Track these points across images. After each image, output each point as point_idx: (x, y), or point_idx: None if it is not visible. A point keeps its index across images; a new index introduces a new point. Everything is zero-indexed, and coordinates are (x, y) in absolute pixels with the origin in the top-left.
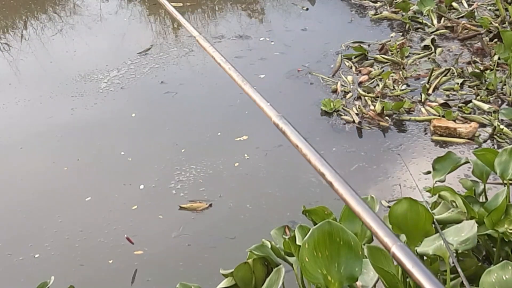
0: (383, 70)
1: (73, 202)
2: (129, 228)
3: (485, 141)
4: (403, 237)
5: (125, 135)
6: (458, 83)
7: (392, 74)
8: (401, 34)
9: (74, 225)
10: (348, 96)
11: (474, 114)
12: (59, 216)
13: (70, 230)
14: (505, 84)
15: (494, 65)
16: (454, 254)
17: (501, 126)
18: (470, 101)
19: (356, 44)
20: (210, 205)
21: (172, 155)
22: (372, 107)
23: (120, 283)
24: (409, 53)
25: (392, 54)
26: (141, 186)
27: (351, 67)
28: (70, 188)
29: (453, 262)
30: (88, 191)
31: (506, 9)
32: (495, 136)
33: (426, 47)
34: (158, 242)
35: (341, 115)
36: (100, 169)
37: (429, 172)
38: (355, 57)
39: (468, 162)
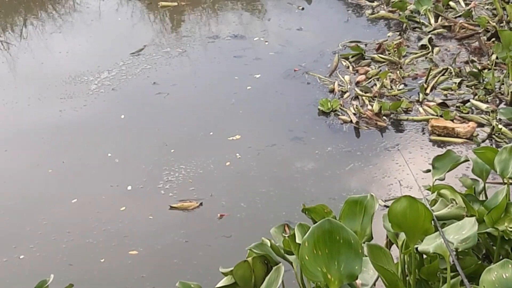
0: (381, 70)
1: (59, 204)
2: (119, 229)
3: (483, 141)
4: (402, 235)
5: (113, 136)
6: (456, 83)
7: (389, 74)
8: (398, 33)
9: (60, 227)
10: (345, 96)
11: (472, 113)
12: (44, 218)
13: (56, 231)
14: (503, 84)
15: (492, 64)
16: (454, 253)
17: (500, 126)
18: (468, 101)
19: (353, 44)
20: (201, 204)
21: (160, 156)
22: (369, 107)
23: (114, 281)
24: (407, 52)
25: (389, 53)
26: (129, 187)
27: (348, 67)
28: (54, 190)
29: (453, 261)
30: (74, 193)
31: (504, 8)
32: (493, 136)
33: (423, 47)
34: (151, 242)
35: (338, 115)
36: (86, 171)
37: (428, 171)
38: (352, 57)
39: (468, 161)
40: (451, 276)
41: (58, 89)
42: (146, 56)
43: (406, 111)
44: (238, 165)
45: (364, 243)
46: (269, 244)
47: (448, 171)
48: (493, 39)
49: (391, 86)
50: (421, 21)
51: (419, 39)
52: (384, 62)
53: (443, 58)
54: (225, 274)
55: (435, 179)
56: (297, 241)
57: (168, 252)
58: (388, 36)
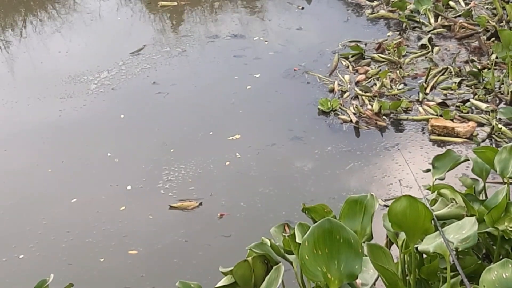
0: (380, 69)
1: (58, 204)
2: (119, 228)
3: (483, 141)
4: (402, 234)
5: (113, 136)
6: (455, 82)
7: (389, 73)
8: (398, 33)
9: (60, 227)
10: (345, 95)
11: (472, 113)
12: (43, 218)
13: (56, 231)
14: (502, 83)
15: (492, 64)
16: (454, 252)
17: (499, 125)
18: (468, 100)
19: (353, 43)
20: (201, 203)
21: (160, 155)
22: (369, 107)
23: (113, 281)
24: (406, 52)
25: (389, 53)
26: (128, 187)
27: (348, 66)
28: (54, 190)
29: (453, 260)
30: (73, 192)
31: (504, 8)
32: (493, 135)
33: (423, 46)
34: (150, 242)
35: (338, 114)
36: (86, 170)
37: (428, 170)
38: (352, 56)
39: (468, 160)
40: (451, 276)
41: (58, 89)
42: (146, 55)
43: (406, 111)
44: (237, 164)
45: (364, 242)
46: (269, 244)
47: (448, 171)
48: (493, 38)
49: (391, 86)
50: (421, 20)
51: (419, 38)
52: (384, 61)
53: (443, 58)
54: (225, 274)
55: (435, 179)
56: (297, 240)
57: (167, 251)
58: (388, 36)
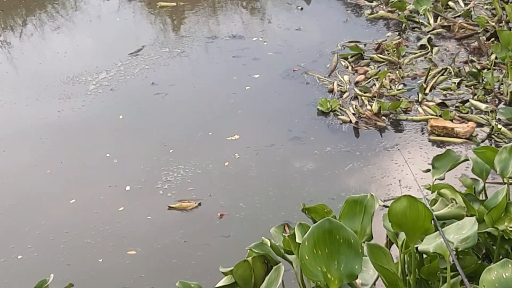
0: (380, 70)
1: (57, 205)
2: (118, 229)
3: (483, 141)
4: (402, 235)
5: (112, 137)
6: (455, 83)
7: (388, 74)
8: (397, 33)
9: (58, 227)
10: (344, 96)
11: (472, 113)
12: (42, 218)
13: (54, 231)
14: (502, 84)
15: (491, 64)
16: (454, 252)
17: (499, 126)
18: (467, 101)
19: (352, 44)
20: (200, 204)
21: (159, 156)
22: (369, 107)
23: (112, 281)
24: (406, 52)
25: (388, 53)
26: (127, 187)
27: (347, 67)
28: (53, 191)
29: (453, 260)
30: (72, 193)
31: (503, 8)
32: (493, 136)
33: (422, 47)
34: (149, 242)
35: (337, 115)
36: (84, 171)
37: (428, 170)
38: (351, 57)
39: (468, 160)
40: (451, 276)
41: (57, 89)
42: (145, 56)
43: (406, 111)
44: (237, 165)
45: (364, 242)
46: (269, 244)
47: (448, 171)
48: (492, 39)
49: (390, 86)
50: (420, 21)
51: (418, 39)
52: (383, 62)
53: (442, 58)
54: (225, 274)
55: (435, 179)
56: (297, 240)
57: (166, 252)
58: (387, 36)
